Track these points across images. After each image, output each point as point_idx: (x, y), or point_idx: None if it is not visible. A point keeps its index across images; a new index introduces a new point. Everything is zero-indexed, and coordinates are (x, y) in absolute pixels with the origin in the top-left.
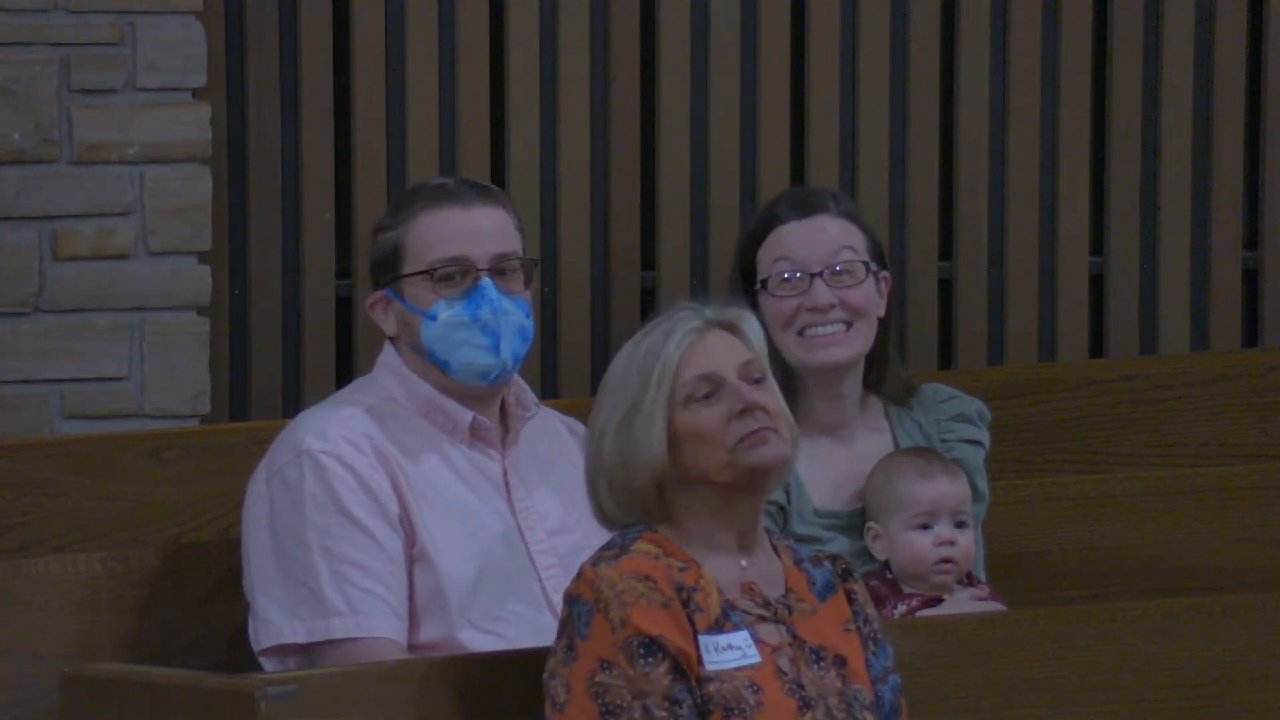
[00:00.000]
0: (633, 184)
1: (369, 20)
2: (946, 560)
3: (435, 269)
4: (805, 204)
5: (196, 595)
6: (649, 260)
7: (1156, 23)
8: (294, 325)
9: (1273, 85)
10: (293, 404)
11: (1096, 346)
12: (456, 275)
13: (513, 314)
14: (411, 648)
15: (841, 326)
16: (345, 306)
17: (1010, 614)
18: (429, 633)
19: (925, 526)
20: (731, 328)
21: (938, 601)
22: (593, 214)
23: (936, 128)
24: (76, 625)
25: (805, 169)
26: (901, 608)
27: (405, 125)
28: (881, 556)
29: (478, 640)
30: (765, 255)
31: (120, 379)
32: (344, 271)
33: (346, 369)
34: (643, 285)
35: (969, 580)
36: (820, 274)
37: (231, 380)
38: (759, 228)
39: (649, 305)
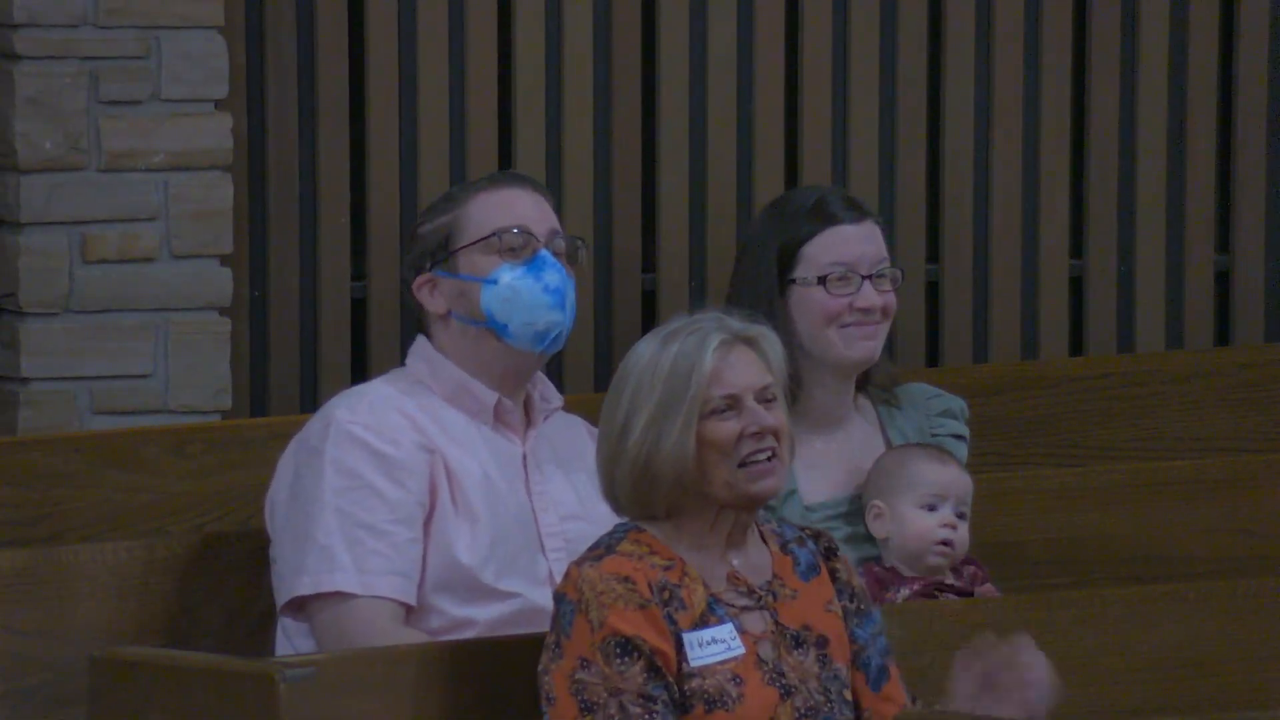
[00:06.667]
0: (634, 189)
1: (383, 35)
2: (945, 543)
3: (501, 233)
4: (856, 208)
5: (218, 582)
6: (649, 263)
7: (1133, 36)
8: (311, 325)
9: (1244, 97)
10: (310, 400)
11: (1076, 345)
12: (519, 245)
13: (570, 282)
14: (424, 614)
15: (874, 327)
16: (360, 307)
17: (994, 600)
18: (442, 603)
19: (932, 508)
20: (753, 344)
21: (938, 585)
22: (595, 218)
23: (924, 136)
24: (104, 611)
25: (799, 175)
26: (905, 591)
27: (417, 134)
28: (881, 535)
29: (477, 609)
30: (820, 252)
31: (145, 376)
32: (359, 274)
33: (361, 366)
34: (643, 287)
35: (970, 564)
36: (869, 277)
37: (251, 377)
38: (812, 225)
39: (649, 306)
